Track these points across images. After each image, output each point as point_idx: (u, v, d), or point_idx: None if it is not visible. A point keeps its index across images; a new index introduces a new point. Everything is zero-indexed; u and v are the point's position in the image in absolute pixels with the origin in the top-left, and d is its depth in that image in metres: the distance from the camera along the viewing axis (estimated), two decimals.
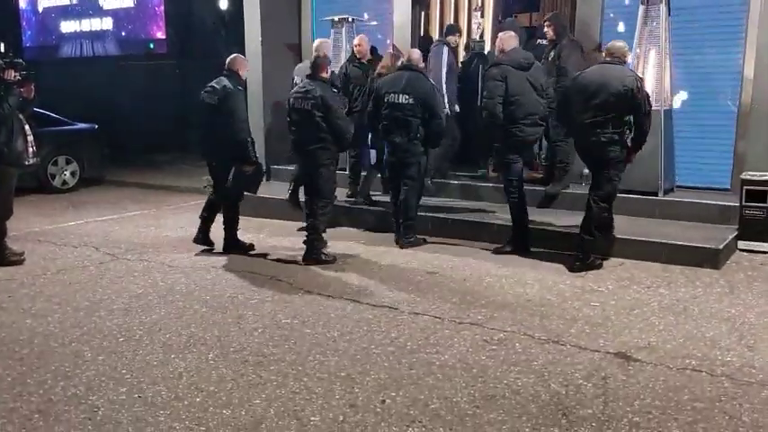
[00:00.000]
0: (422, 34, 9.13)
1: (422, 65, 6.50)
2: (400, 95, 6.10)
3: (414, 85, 6.11)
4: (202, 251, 6.36)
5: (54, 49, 16.41)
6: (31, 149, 5.98)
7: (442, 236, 6.69)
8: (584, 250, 5.60)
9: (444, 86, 7.18)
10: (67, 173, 10.22)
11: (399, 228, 6.43)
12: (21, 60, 6.14)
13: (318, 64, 6.00)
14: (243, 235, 6.46)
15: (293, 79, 7.63)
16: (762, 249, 6.04)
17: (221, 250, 6.33)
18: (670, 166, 6.83)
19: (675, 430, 3.07)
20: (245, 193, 6.32)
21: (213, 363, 3.87)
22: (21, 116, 5.91)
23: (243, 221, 6.52)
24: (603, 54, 5.91)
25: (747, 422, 3.14)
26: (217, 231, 6.39)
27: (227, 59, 6.25)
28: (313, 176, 5.95)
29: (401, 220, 6.40)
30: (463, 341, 4.12)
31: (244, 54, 7.92)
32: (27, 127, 5.96)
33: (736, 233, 6.11)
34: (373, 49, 7.61)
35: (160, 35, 14.67)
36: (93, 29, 15.67)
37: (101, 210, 8.74)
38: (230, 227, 6.35)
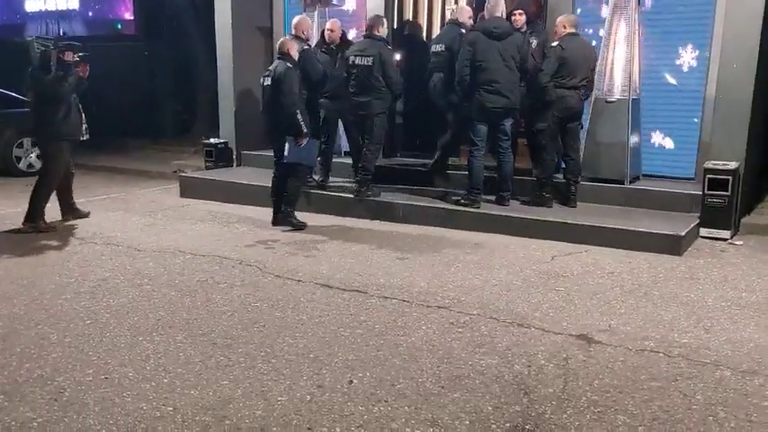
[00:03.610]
0: (395, 19, 9.10)
1: (467, 21, 6.95)
2: (435, 46, 6.87)
3: (446, 35, 6.73)
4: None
5: (18, 28, 15.98)
6: (84, 125, 6.62)
7: (413, 222, 6.77)
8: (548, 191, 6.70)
9: None
10: (33, 156, 10.02)
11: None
12: (77, 43, 6.66)
13: (372, 25, 6.88)
14: (217, 219, 6.43)
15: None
16: (722, 236, 6.21)
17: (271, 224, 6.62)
18: (636, 154, 6.97)
19: (631, 407, 3.18)
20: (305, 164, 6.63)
21: (181, 345, 3.87)
22: (74, 95, 6.48)
23: (214, 206, 6.50)
24: (564, 27, 6.49)
25: (701, 400, 3.26)
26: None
27: (277, 44, 6.69)
28: (368, 124, 6.81)
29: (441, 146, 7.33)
30: (430, 324, 4.19)
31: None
32: (80, 105, 6.58)
33: (698, 221, 6.28)
34: (343, 35, 7.54)
35: (128, 15, 14.39)
36: (59, 8, 15.29)
37: None
38: (287, 201, 6.58)
